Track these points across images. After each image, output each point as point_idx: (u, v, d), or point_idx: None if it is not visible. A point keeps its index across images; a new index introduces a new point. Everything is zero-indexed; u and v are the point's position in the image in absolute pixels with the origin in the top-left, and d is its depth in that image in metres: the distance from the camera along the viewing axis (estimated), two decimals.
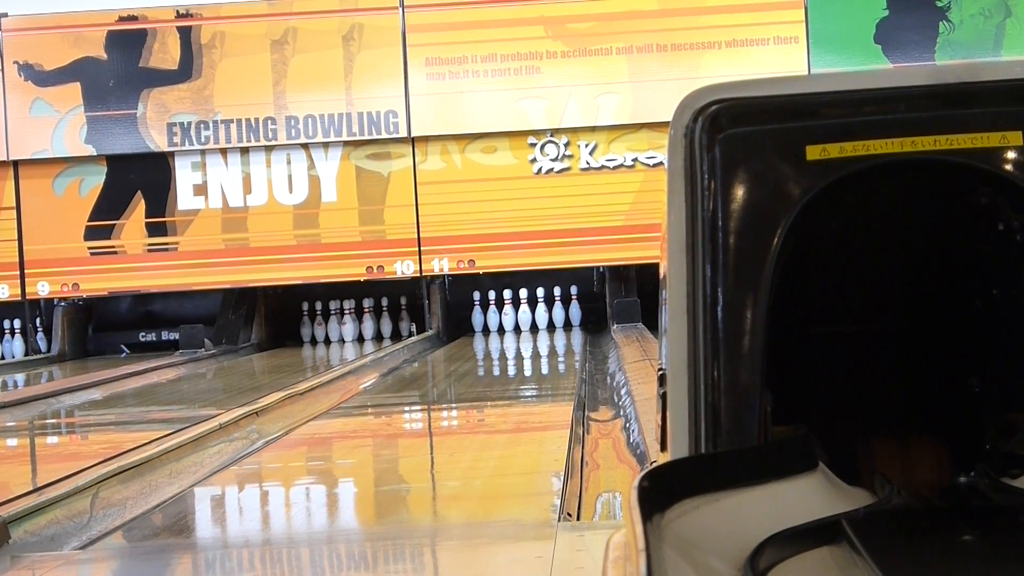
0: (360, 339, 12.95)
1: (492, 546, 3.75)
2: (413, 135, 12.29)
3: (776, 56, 12.08)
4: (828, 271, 2.98)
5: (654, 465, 2.76)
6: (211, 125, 12.34)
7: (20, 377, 11.19)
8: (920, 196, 2.87)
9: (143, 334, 13.02)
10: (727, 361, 2.56)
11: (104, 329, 13.22)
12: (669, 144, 2.68)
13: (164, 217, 12.45)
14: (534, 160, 12.32)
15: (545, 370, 10.07)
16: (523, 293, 12.83)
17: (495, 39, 12.27)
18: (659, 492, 2.12)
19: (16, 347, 13.22)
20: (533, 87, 12.23)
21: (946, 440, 2.84)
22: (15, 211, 12.53)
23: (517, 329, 12.79)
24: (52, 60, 12.48)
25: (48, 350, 13.04)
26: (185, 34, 12.40)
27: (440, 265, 12.31)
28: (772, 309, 2.59)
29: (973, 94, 2.65)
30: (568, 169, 12.32)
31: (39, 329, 13.26)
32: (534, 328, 12.78)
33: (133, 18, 12.49)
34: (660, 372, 2.72)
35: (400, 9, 12.29)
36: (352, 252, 12.29)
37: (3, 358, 13.09)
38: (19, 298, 12.68)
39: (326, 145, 12.37)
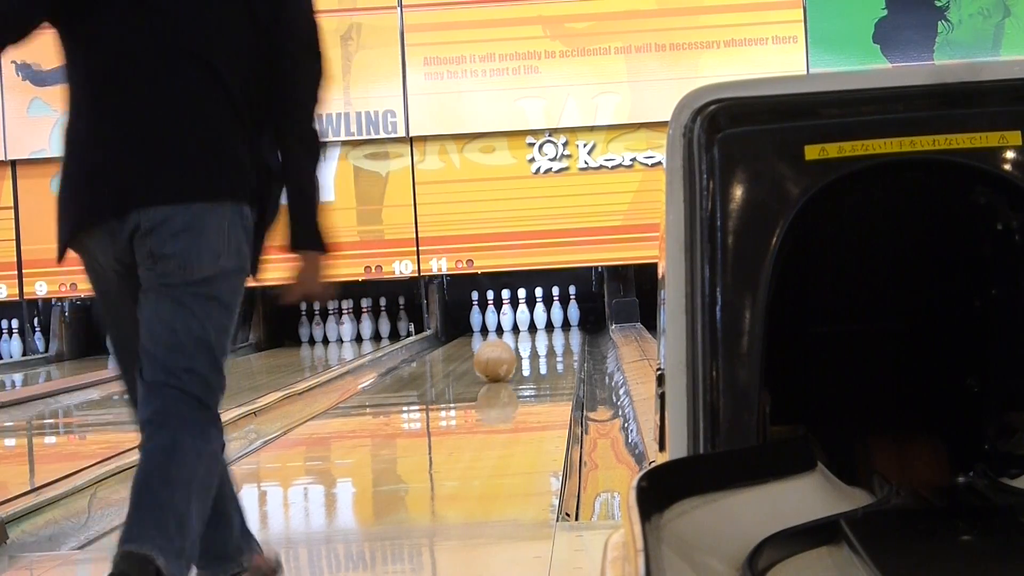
0: (358, 339, 12.94)
1: (490, 546, 3.75)
2: (411, 135, 12.28)
3: (775, 56, 12.07)
4: (827, 271, 2.98)
5: (653, 465, 2.76)
6: None
7: (18, 377, 11.19)
8: (919, 196, 2.87)
9: None
10: (726, 361, 2.56)
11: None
12: (668, 144, 2.68)
13: None
14: (532, 160, 12.31)
15: (543, 370, 10.07)
16: (521, 293, 12.82)
17: (493, 39, 12.26)
18: (657, 492, 2.12)
19: (14, 347, 13.22)
20: (531, 87, 12.22)
21: (945, 440, 2.84)
22: (13, 211, 12.52)
23: (516, 329, 12.78)
24: (50, 59, 12.41)
25: (46, 350, 13.03)
26: None
27: (438, 265, 12.30)
28: (771, 309, 2.59)
29: (972, 94, 2.65)
30: (566, 169, 12.31)
31: (37, 329, 13.25)
32: (532, 328, 12.78)
33: None
34: (659, 372, 2.72)
35: (398, 8, 12.28)
36: (350, 252, 12.26)
37: (1, 358, 13.08)
38: (17, 298, 12.67)
39: (323, 144, 12.35)
